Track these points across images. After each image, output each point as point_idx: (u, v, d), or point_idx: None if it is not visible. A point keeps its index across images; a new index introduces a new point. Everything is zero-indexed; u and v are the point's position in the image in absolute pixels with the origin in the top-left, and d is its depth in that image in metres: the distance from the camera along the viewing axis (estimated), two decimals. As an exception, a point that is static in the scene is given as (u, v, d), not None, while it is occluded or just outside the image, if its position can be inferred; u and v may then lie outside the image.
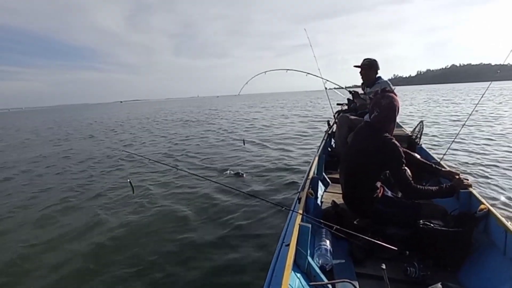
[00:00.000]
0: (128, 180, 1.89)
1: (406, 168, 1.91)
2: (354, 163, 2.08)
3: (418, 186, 1.84)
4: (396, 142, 1.95)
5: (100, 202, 4.66)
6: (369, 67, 3.52)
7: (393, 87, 3.26)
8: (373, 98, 2.12)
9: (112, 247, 3.26)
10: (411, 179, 1.88)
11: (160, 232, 3.56)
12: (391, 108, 2.00)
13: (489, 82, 3.45)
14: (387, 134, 1.98)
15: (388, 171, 2.13)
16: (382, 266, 1.06)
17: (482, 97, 3.33)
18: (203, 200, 4.64)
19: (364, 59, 3.57)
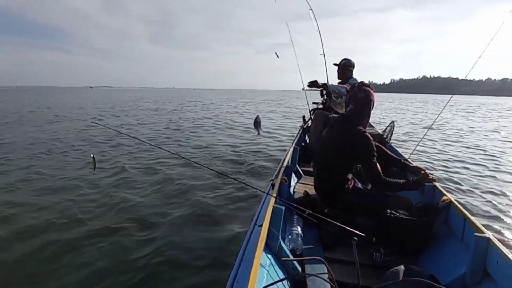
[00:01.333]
0: (92, 155, 1.77)
1: (376, 162, 1.96)
2: (328, 155, 2.13)
3: (387, 179, 1.91)
4: (369, 135, 2.00)
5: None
6: (345, 66, 3.72)
7: None
8: (350, 91, 2.17)
9: (66, 224, 3.14)
10: (381, 172, 1.95)
11: (126, 209, 3.52)
12: (367, 102, 2.05)
13: (451, 96, 3.81)
14: (361, 127, 2.03)
15: (359, 164, 2.20)
16: (354, 238, 1.09)
17: (444, 108, 3.67)
18: (174, 177, 4.76)
19: (343, 59, 3.78)
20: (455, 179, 5.09)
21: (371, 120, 4.24)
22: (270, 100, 41.02)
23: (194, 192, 4.08)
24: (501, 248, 1.22)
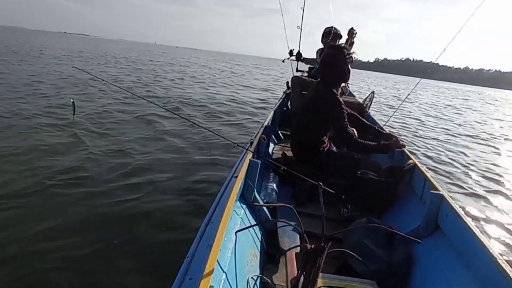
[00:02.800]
0: (71, 100, 1.72)
1: (348, 123, 2.03)
2: (303, 116, 2.22)
3: (359, 140, 2.01)
4: (339, 98, 2.05)
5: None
6: (329, 33, 3.72)
7: None
8: (322, 55, 2.21)
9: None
10: (353, 134, 2.03)
11: (101, 161, 3.53)
12: (334, 63, 2.08)
13: (419, 79, 3.96)
14: (333, 90, 2.08)
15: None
16: (320, 183, 1.17)
17: (414, 87, 3.82)
18: (150, 126, 5.01)
19: (326, 27, 3.79)
20: (421, 144, 5.76)
21: (352, 89, 4.37)
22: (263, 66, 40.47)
23: (174, 142, 4.30)
24: (451, 203, 1.34)
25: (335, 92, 2.07)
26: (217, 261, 0.94)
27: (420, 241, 1.10)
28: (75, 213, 2.50)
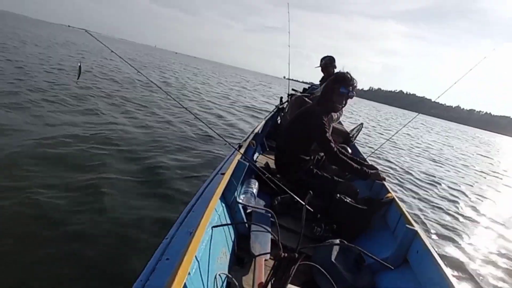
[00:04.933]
0: (79, 64, 1.68)
1: (331, 140, 2.10)
2: (289, 130, 2.31)
3: (342, 156, 2.08)
4: (322, 116, 2.13)
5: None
6: (330, 62, 3.96)
7: None
8: (325, 84, 2.34)
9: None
10: (335, 149, 2.09)
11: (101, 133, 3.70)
12: (328, 87, 2.20)
13: (417, 113, 4.19)
14: (317, 110, 2.18)
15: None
16: (310, 192, 1.18)
17: (408, 122, 4.01)
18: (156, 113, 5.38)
19: (324, 56, 4.02)
20: (400, 183, 5.81)
21: (342, 119, 4.50)
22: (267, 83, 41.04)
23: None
24: (424, 240, 1.39)
25: (318, 110, 2.17)
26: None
27: (392, 267, 1.13)
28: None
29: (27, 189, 2.39)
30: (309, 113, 2.22)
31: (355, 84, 2.18)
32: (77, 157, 3.16)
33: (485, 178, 9.05)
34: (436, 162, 9.65)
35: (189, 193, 2.85)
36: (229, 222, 1.47)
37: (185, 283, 0.76)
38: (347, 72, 2.20)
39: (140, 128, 4.84)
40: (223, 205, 1.48)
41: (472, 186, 7.30)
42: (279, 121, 4.42)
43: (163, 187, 2.92)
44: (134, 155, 3.56)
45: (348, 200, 1.98)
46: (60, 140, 3.46)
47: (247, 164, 1.56)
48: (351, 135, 4.04)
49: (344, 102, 2.22)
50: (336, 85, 2.16)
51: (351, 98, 2.22)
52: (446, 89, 2.96)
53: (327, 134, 2.08)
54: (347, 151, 2.72)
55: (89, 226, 2.11)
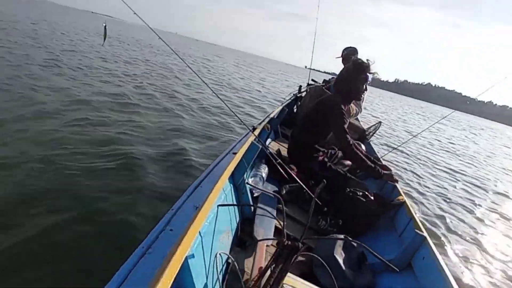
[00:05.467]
0: (104, 24, 1.65)
1: (347, 131, 2.06)
2: (306, 119, 2.27)
3: (356, 150, 2.04)
4: (342, 106, 2.08)
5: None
6: (352, 53, 3.74)
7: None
8: (342, 69, 2.31)
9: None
10: (351, 141, 2.05)
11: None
12: (343, 75, 2.16)
13: (452, 111, 3.90)
14: (337, 98, 2.13)
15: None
16: (324, 181, 1.16)
17: (436, 122, 3.77)
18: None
19: (347, 47, 3.85)
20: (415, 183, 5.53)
21: (360, 117, 4.40)
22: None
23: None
24: (432, 247, 1.35)
25: (343, 105, 2.11)
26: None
27: (398, 270, 1.10)
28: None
29: (62, 159, 2.59)
30: (329, 102, 2.16)
31: (372, 70, 2.13)
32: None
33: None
34: (464, 163, 9.07)
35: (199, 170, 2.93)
36: (235, 202, 1.46)
37: (186, 257, 0.75)
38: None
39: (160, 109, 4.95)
40: (231, 185, 1.47)
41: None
42: (295, 110, 4.35)
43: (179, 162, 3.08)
44: (156, 135, 3.74)
45: (359, 196, 1.94)
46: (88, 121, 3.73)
47: (260, 147, 1.54)
48: (367, 133, 3.94)
49: (364, 89, 2.16)
50: (354, 72, 2.11)
51: (369, 84, 2.17)
52: (488, 87, 2.76)
53: (345, 125, 2.04)
54: (361, 148, 2.65)
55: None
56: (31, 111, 3.55)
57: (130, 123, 4.10)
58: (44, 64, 6.76)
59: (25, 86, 4.59)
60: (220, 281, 1.05)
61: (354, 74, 2.09)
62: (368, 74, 2.08)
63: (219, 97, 1.73)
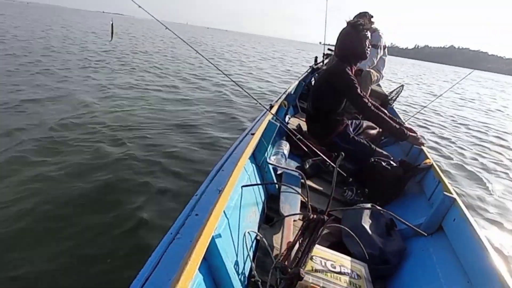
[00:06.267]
0: (111, 22, 1.68)
1: (362, 94, 1.99)
2: (315, 94, 2.20)
3: (377, 111, 1.98)
4: (348, 71, 2.02)
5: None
6: (368, 19, 3.49)
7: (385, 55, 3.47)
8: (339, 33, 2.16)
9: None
10: (369, 103, 1.99)
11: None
12: (344, 36, 2.05)
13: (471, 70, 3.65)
14: (343, 65, 2.05)
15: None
16: (342, 154, 1.15)
17: (457, 82, 3.56)
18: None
19: (359, 13, 3.59)
20: (443, 148, 5.37)
21: (381, 82, 4.21)
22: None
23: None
24: (462, 208, 1.31)
25: (348, 69, 2.03)
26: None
27: (425, 234, 1.09)
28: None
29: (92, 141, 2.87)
30: (335, 71, 2.09)
31: (372, 25, 2.06)
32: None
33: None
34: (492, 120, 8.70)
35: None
36: (259, 182, 1.49)
37: (213, 238, 0.79)
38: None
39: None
40: (253, 165, 1.49)
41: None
42: (313, 83, 4.26)
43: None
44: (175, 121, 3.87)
45: (384, 164, 1.91)
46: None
47: (278, 124, 1.54)
48: (389, 97, 3.81)
49: (368, 46, 2.07)
50: (353, 32, 2.02)
51: (371, 42, 2.11)
52: None
53: (358, 90, 1.96)
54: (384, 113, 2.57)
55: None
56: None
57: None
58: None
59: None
60: (251, 257, 1.09)
61: (354, 34, 2.01)
62: (368, 31, 2.01)
63: (232, 80, 1.73)
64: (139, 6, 1.62)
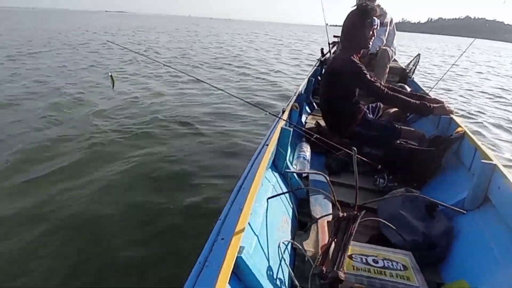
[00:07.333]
0: (109, 74, 1.80)
1: (372, 80, 1.91)
2: (324, 89, 2.16)
3: (393, 93, 1.88)
4: (354, 59, 1.94)
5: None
6: None
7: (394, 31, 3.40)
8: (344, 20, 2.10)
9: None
10: (383, 88, 1.90)
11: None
12: (347, 24, 1.99)
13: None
14: (349, 55, 1.96)
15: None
16: (354, 149, 1.13)
17: (467, 48, 3.32)
18: (185, 98, 5.65)
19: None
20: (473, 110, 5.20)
21: (396, 56, 4.03)
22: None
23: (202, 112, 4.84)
24: (505, 173, 1.22)
25: (354, 57, 1.95)
26: (249, 224, 0.96)
27: (465, 211, 1.02)
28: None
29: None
30: (339, 63, 2.02)
31: (377, 12, 1.96)
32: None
33: None
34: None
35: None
36: (284, 190, 1.48)
37: (241, 258, 0.79)
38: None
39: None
40: (276, 174, 1.49)
41: None
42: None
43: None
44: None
45: (411, 144, 1.82)
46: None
47: (291, 130, 1.53)
48: (407, 71, 3.66)
49: (372, 34, 1.98)
50: (358, 17, 1.94)
51: (376, 28, 1.98)
52: None
53: (367, 76, 1.88)
54: (405, 90, 2.46)
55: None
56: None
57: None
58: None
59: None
60: (290, 268, 1.09)
61: (359, 20, 1.92)
62: (374, 17, 1.91)
63: (238, 98, 1.75)
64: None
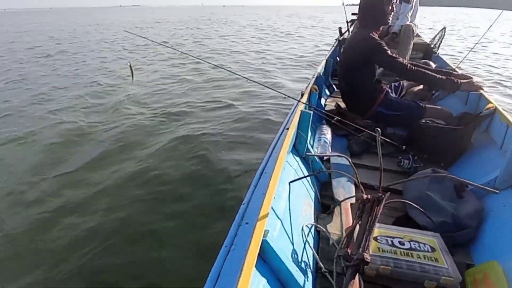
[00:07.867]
0: (128, 63, 1.82)
1: (394, 55, 1.84)
2: (344, 65, 2.10)
3: (416, 68, 1.80)
4: (373, 36, 1.88)
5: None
6: None
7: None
8: None
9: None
10: (403, 62, 1.82)
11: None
12: (370, 4, 1.93)
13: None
14: (369, 32, 1.90)
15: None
16: (377, 129, 1.09)
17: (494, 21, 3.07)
18: (205, 84, 5.94)
19: None
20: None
21: (419, 31, 3.82)
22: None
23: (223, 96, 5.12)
24: None
25: (373, 34, 1.89)
26: (272, 208, 0.97)
27: (497, 191, 0.98)
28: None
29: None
30: (357, 41, 1.97)
31: None
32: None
33: None
34: None
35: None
36: (306, 174, 1.47)
37: (266, 241, 0.80)
38: None
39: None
40: (297, 158, 1.48)
41: None
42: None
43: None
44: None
45: (437, 124, 1.75)
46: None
47: (311, 113, 1.50)
48: (432, 46, 3.47)
49: (391, 10, 1.92)
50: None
51: (396, 2, 1.94)
52: None
53: (388, 52, 1.82)
54: (430, 66, 2.34)
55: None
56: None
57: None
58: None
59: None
60: (315, 250, 1.09)
61: (371, 7, 1.89)
62: None
63: (256, 82, 1.73)
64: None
